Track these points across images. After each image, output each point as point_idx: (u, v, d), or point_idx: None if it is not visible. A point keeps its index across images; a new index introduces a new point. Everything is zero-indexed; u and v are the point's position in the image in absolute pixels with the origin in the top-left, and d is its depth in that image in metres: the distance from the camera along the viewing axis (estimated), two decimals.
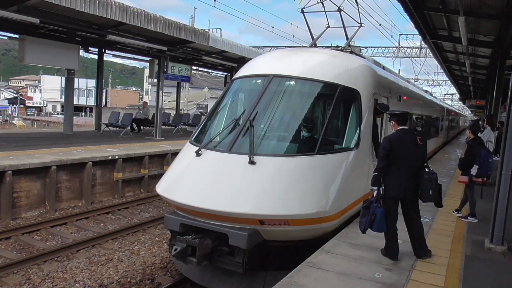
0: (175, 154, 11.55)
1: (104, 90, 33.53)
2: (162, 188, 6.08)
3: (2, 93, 67.28)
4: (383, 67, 9.81)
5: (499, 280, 4.77)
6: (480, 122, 23.17)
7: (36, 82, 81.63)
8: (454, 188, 9.91)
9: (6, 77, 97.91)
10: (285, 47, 28.56)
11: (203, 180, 5.65)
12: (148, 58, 18.07)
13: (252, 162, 5.51)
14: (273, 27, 49.35)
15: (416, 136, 5.15)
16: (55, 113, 62.66)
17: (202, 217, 5.51)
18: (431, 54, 23.32)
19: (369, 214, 4.88)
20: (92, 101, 57.17)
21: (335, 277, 4.52)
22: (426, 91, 21.92)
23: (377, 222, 4.85)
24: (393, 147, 4.95)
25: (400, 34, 46.85)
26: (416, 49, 33.26)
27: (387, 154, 4.95)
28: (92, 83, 57.24)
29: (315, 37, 9.14)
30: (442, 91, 66.87)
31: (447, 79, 35.38)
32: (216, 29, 52.86)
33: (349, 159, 6.15)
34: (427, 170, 5.00)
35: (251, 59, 8.04)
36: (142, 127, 19.83)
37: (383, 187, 5.00)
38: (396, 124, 5.20)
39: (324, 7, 9.00)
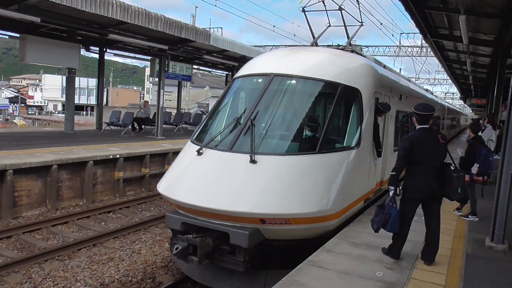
0: (176, 153, 11.55)
1: (105, 89, 33.49)
2: (163, 187, 6.09)
3: (3, 92, 67.22)
4: (384, 66, 9.81)
5: (500, 278, 4.77)
6: (481, 121, 23.20)
7: (37, 81, 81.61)
8: None
9: (7, 76, 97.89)
10: (286, 46, 28.61)
11: (204, 179, 5.66)
12: (149, 57, 18.06)
13: (253, 161, 5.51)
14: (274, 26, 49.29)
15: (437, 134, 5.00)
16: (56, 112, 62.67)
17: (203, 216, 5.52)
18: (432, 53, 23.32)
19: (384, 214, 4.80)
20: (93, 100, 57.17)
21: (336, 276, 4.53)
22: (427, 90, 21.98)
23: (391, 222, 4.79)
24: (414, 147, 4.79)
25: (401, 33, 46.95)
26: (417, 48, 33.22)
27: (407, 154, 4.80)
28: (93, 82, 57.22)
29: (316, 36, 9.14)
30: (443, 90, 66.72)
31: (448, 78, 35.36)
32: (217, 28, 52.80)
33: (350, 158, 6.14)
34: (452, 168, 4.88)
35: (252, 58, 8.04)
36: (143, 126, 19.85)
37: (400, 188, 4.92)
38: (417, 122, 4.98)
39: (325, 6, 9.01)
